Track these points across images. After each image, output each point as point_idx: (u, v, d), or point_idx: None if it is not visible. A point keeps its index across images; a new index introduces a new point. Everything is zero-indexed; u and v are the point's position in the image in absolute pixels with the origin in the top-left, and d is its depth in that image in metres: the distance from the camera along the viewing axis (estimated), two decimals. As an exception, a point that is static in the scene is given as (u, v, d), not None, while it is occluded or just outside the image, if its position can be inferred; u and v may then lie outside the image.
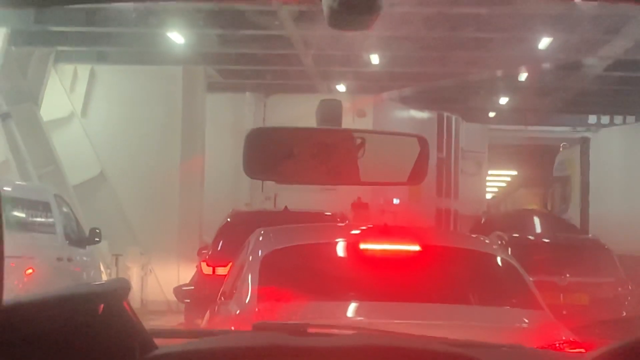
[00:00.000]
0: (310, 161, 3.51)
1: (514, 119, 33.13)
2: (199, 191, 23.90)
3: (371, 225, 6.54)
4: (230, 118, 26.35)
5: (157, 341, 2.63)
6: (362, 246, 6.05)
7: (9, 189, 16.14)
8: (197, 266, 15.44)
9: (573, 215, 31.37)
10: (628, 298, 14.80)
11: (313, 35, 19.11)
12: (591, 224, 29.07)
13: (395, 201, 27.16)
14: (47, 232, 16.83)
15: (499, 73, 23.60)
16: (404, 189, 25.52)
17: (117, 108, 23.46)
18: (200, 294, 12.43)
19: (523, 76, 24.64)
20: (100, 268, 19.17)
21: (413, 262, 6.06)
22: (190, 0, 12.87)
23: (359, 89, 26.82)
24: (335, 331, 3.72)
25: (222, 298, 6.65)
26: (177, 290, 14.68)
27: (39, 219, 16.76)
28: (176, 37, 20.76)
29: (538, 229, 21.96)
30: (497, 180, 52.54)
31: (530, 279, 6.43)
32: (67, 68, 23.59)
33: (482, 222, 23.69)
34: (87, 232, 18.09)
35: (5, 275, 1.89)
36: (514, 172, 50.46)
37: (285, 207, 15.93)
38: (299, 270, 6.25)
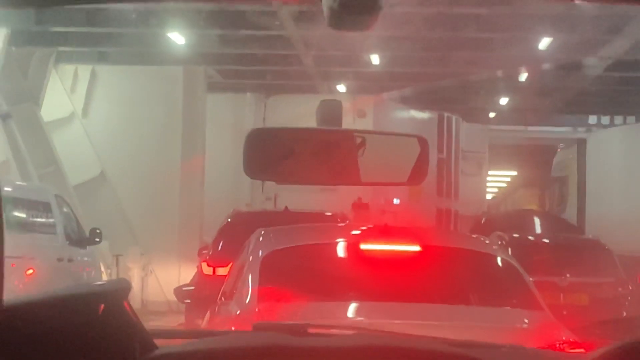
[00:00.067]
0: (310, 161, 3.51)
1: (514, 119, 33.12)
2: (200, 191, 23.90)
3: (371, 226, 6.53)
4: (230, 118, 26.34)
5: (157, 341, 2.64)
6: (363, 246, 6.05)
7: (10, 189, 16.13)
8: (197, 266, 15.44)
9: (570, 215, 31.43)
10: (628, 298, 14.81)
11: (313, 35, 19.12)
12: (591, 224, 29.10)
13: (396, 201, 27.15)
14: (48, 233, 16.83)
15: (500, 73, 23.60)
16: (405, 189, 25.51)
17: (117, 108, 23.47)
18: (201, 294, 12.43)
19: (523, 76, 24.64)
20: (100, 268, 19.16)
21: (413, 263, 6.06)
22: (191, 0, 12.88)
23: (359, 89, 26.82)
24: (336, 331, 3.72)
25: (223, 298, 6.64)
26: (178, 291, 14.67)
27: (39, 219, 16.77)
28: (177, 37, 20.77)
29: (538, 229, 21.98)
30: (498, 180, 52.54)
31: (531, 279, 6.44)
32: (68, 68, 23.59)
33: (483, 222, 23.68)
34: (87, 233, 18.09)
35: (6, 276, 1.90)
36: (514, 173, 50.47)
37: (286, 207, 15.94)
38: (300, 270, 6.25)
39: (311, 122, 3.74)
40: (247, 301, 5.89)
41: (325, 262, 6.24)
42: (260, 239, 6.59)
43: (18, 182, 18.55)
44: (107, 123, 23.43)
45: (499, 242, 14.31)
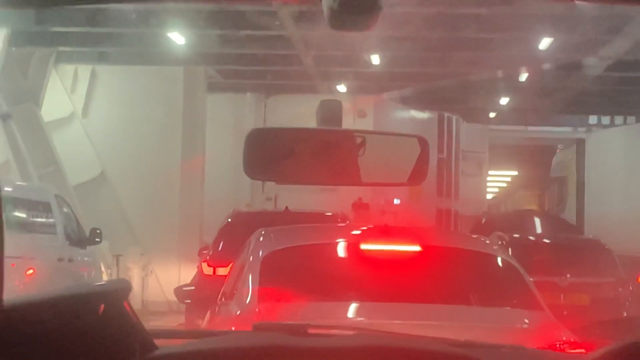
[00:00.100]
0: (310, 161, 3.51)
1: (515, 119, 33.12)
2: (200, 191, 23.90)
3: (372, 226, 6.53)
4: (230, 118, 26.34)
5: (158, 342, 2.64)
6: (363, 247, 6.05)
7: (10, 189, 16.13)
8: (197, 266, 15.44)
9: (569, 215, 31.46)
10: (629, 298, 14.81)
11: (313, 35, 19.12)
12: (591, 224, 29.12)
13: (396, 201, 27.15)
14: (48, 233, 16.83)
15: (500, 73, 23.60)
16: (405, 190, 25.51)
17: (117, 108, 23.47)
18: (201, 295, 12.43)
19: (523, 76, 24.64)
20: (100, 268, 19.17)
21: (414, 263, 6.05)
22: (191, 0, 12.88)
23: (359, 90, 26.82)
24: (336, 332, 3.72)
25: (223, 298, 6.64)
26: (178, 291, 14.67)
27: (39, 220, 16.77)
28: (177, 37, 20.77)
29: (538, 230, 21.96)
30: (498, 180, 52.54)
31: (531, 279, 6.44)
32: (68, 68, 23.59)
33: (483, 222, 23.67)
34: (87, 233, 18.09)
35: (6, 276, 1.90)
36: (515, 173, 50.48)
37: (286, 207, 15.93)
38: (300, 270, 6.25)
39: (311, 122, 3.74)
40: (247, 301, 5.89)
41: (325, 263, 6.24)
42: (261, 239, 6.59)
43: (18, 182, 18.55)
44: (107, 123, 23.43)
45: (499, 242, 14.31)
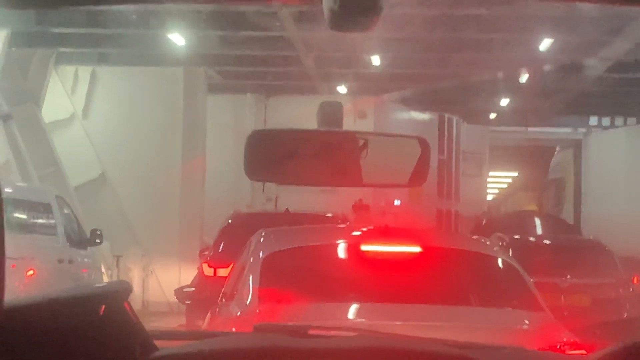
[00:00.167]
0: (311, 162, 3.51)
1: (515, 120, 33.13)
2: (200, 192, 23.90)
3: (372, 227, 6.53)
4: (231, 119, 26.35)
5: (158, 343, 2.64)
6: (363, 248, 6.05)
7: (10, 190, 16.14)
8: (198, 267, 15.44)
9: (567, 217, 31.50)
10: (629, 299, 14.80)
11: (314, 36, 19.12)
12: (591, 225, 29.12)
13: (396, 202, 27.15)
14: (48, 234, 16.84)
15: (500, 74, 23.60)
16: (405, 191, 25.50)
17: (118, 109, 23.47)
18: (202, 296, 12.43)
19: (524, 77, 24.64)
20: (101, 269, 19.17)
21: (414, 264, 6.05)
22: (191, 1, 12.87)
23: (359, 91, 26.82)
24: (337, 333, 3.72)
25: (223, 299, 6.64)
26: (178, 292, 14.67)
27: (40, 221, 16.77)
28: (177, 38, 20.77)
29: (539, 231, 21.96)
30: (498, 181, 52.56)
31: (531, 280, 6.43)
32: (68, 69, 23.60)
33: (483, 223, 23.69)
34: (88, 234, 18.10)
35: (6, 277, 1.89)
36: (515, 174, 50.49)
37: (287, 208, 15.94)
38: (300, 271, 6.25)
39: (312, 123, 3.74)
40: (247, 302, 5.89)
41: (326, 264, 6.24)
42: (261, 240, 6.58)
43: (19, 183, 18.56)
44: (107, 124, 23.43)
45: (500, 243, 14.30)
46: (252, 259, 6.33)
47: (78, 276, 17.30)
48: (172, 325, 17.01)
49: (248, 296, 5.94)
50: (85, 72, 23.69)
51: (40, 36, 20.81)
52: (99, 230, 18.03)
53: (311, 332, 3.34)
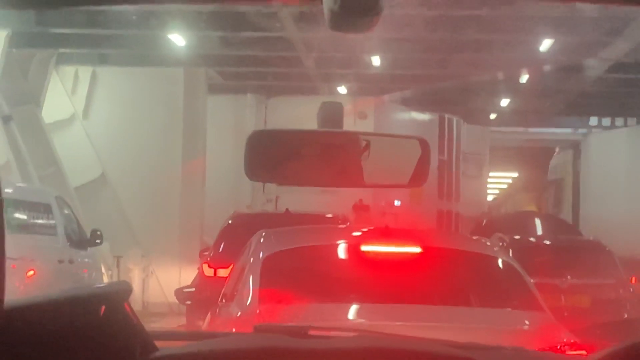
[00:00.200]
0: (311, 163, 3.51)
1: (515, 121, 33.14)
2: (201, 193, 23.90)
3: (372, 227, 6.54)
4: (231, 120, 26.35)
5: (158, 343, 2.63)
6: (364, 248, 6.05)
7: (10, 190, 16.13)
8: (198, 268, 15.44)
9: (566, 217, 31.53)
10: (630, 300, 14.79)
11: (314, 37, 19.12)
12: (590, 225, 29.13)
13: (397, 203, 27.16)
14: (49, 234, 16.83)
15: (500, 75, 23.60)
16: (405, 191, 25.49)
17: (118, 110, 23.47)
18: (202, 296, 12.44)
19: (524, 78, 24.64)
20: (101, 270, 19.16)
21: (414, 264, 6.05)
22: (192, 2, 12.88)
23: (360, 91, 26.82)
24: (337, 333, 3.72)
25: (224, 300, 6.64)
26: (179, 292, 14.68)
27: (40, 221, 16.76)
28: (177, 38, 20.77)
29: (539, 231, 21.95)
30: (498, 182, 52.56)
31: (532, 280, 6.44)
32: (69, 70, 23.60)
33: (483, 224, 23.67)
34: (88, 234, 18.09)
35: (7, 277, 1.89)
36: (515, 174, 50.50)
37: (287, 209, 15.93)
38: (301, 272, 6.25)
39: (312, 124, 3.74)
40: (248, 303, 5.89)
41: (326, 264, 6.24)
42: (262, 240, 6.59)
43: (19, 184, 18.55)
44: (107, 125, 23.43)
45: (500, 244, 14.29)
46: (252, 259, 6.33)
47: (78, 277, 17.30)
48: (172, 325, 17.03)
49: (248, 297, 5.94)
50: (85, 72, 23.68)
51: (41, 37, 20.81)
52: (99, 230, 18.03)
53: (311, 332, 3.34)
